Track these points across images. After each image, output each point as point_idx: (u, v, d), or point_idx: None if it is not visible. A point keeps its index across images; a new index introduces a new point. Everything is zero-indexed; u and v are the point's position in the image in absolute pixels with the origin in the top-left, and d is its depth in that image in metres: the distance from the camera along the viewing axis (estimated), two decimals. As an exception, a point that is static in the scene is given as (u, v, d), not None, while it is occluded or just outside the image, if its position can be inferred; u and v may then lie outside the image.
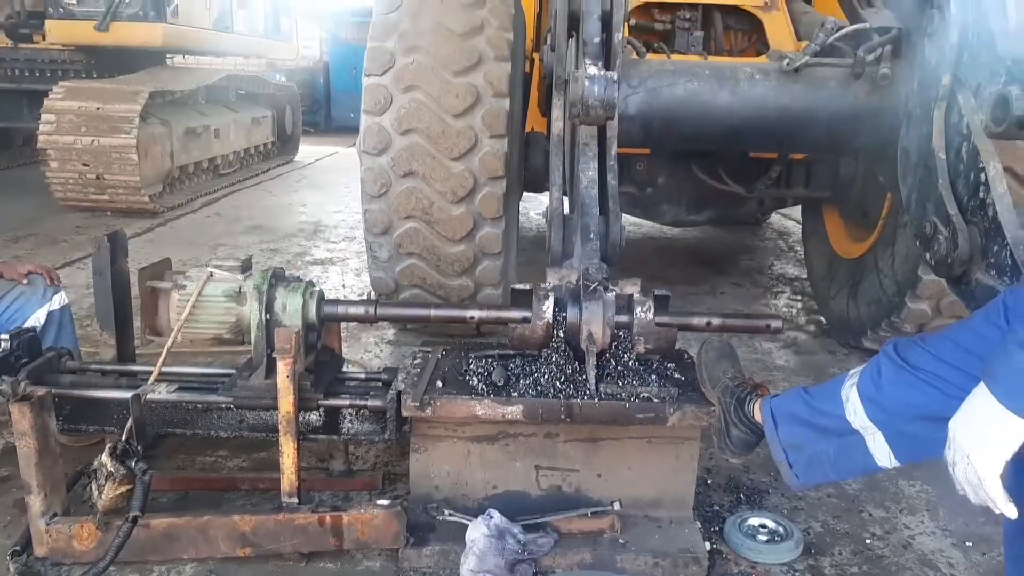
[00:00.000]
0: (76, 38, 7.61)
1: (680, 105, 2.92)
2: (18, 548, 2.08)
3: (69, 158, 6.48)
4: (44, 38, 7.72)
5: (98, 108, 6.49)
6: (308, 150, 11.81)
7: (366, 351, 3.74)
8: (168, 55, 9.08)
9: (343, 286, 4.89)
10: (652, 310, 2.04)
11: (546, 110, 3.92)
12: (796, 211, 5.82)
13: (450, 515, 2.18)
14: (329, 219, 7.05)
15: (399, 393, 2.12)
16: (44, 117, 6.51)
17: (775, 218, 7.21)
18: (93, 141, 6.41)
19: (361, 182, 3.28)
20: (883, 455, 1.69)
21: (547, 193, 3.23)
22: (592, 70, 2.22)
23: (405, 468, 2.54)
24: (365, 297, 4.41)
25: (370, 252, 3.43)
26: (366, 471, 2.59)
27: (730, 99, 2.90)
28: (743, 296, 4.93)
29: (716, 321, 2.17)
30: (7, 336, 2.27)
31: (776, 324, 2.19)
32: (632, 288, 2.09)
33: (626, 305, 2.08)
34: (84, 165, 6.50)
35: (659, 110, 2.93)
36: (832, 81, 2.92)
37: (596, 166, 2.42)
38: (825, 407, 1.78)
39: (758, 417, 1.88)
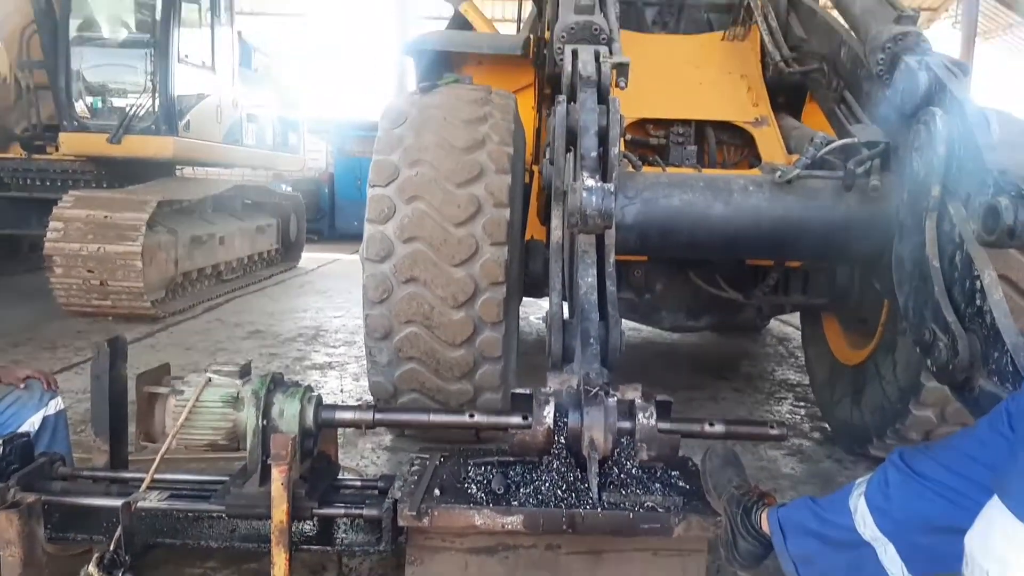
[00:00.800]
0: (89, 150, 7.85)
1: (676, 215, 2.99)
2: (-8, 667, 1.98)
3: (74, 264, 6.56)
4: (57, 149, 7.98)
5: (106, 216, 6.63)
6: (311, 257, 12.00)
7: (363, 457, 3.68)
8: (178, 166, 9.35)
9: (341, 391, 4.85)
10: (654, 416, 2.02)
11: (545, 219, 4.00)
12: (795, 317, 5.85)
13: (447, 634, 2.09)
14: (329, 324, 7.07)
15: (395, 502, 2.07)
16: (52, 225, 6.62)
17: (774, 324, 7.23)
18: (99, 248, 6.51)
19: (363, 288, 3.31)
20: (895, 568, 1.64)
21: (547, 298, 3.26)
22: (590, 182, 2.28)
23: (400, 582, 2.45)
24: (363, 402, 4.37)
25: (370, 357, 3.42)
26: (359, 585, 2.50)
27: (725, 209, 2.97)
28: (745, 402, 4.88)
29: (719, 427, 2.14)
30: (0, 441, 2.24)
31: (779, 431, 2.16)
32: (633, 393, 2.07)
33: (628, 411, 2.06)
34: (89, 271, 6.57)
35: (655, 219, 3.00)
36: (824, 192, 2.99)
37: (595, 272, 2.45)
38: (834, 518, 1.74)
39: (766, 528, 1.83)
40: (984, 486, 1.40)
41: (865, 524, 1.66)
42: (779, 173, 3.01)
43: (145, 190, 7.39)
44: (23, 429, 2.55)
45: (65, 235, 6.57)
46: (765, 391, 5.19)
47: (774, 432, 2.17)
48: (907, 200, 2.64)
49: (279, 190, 11.53)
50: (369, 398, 3.62)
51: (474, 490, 2.07)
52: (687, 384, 5.17)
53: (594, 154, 2.54)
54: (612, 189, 2.27)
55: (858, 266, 3.67)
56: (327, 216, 16.88)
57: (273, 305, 8.09)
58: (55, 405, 2.76)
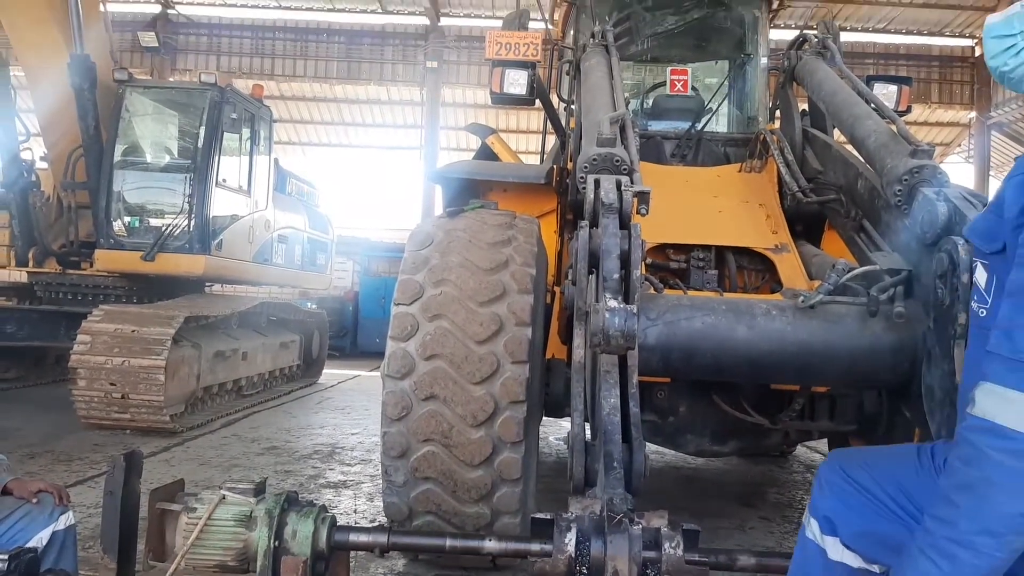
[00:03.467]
0: (122, 267, 8.11)
1: (698, 337, 2.98)
2: None
3: (98, 377, 6.60)
4: (91, 265, 8.24)
5: (133, 331, 6.72)
6: (332, 373, 12.01)
7: (374, 585, 3.54)
8: (207, 283, 9.57)
9: (355, 511, 4.73)
10: (681, 546, 1.94)
11: (566, 338, 4.01)
12: (823, 443, 5.69)
13: None
14: (346, 441, 6.99)
15: (408, 634, 1.98)
16: (80, 338, 6.72)
17: (801, 450, 7.04)
18: (124, 362, 6.56)
19: (382, 405, 3.29)
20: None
21: (567, 418, 3.20)
22: (612, 303, 2.30)
23: None
24: (377, 523, 4.24)
25: (385, 476, 3.36)
26: None
27: (748, 333, 2.95)
28: (774, 532, 4.68)
29: (751, 560, 2.05)
30: (6, 556, 2.19)
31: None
32: (659, 521, 1.99)
33: (653, 540, 1.98)
34: (111, 384, 6.60)
35: (678, 342, 2.99)
36: (848, 318, 2.98)
37: (618, 393, 2.43)
38: (803, 557, 1.87)
39: None
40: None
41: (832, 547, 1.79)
42: (802, 298, 3.01)
43: (173, 305, 7.54)
44: (31, 544, 2.50)
45: (91, 348, 6.66)
46: (794, 520, 4.98)
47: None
48: (933, 328, 2.62)
49: (304, 307, 11.71)
50: (383, 519, 3.52)
51: (491, 624, 1.97)
52: (712, 512, 4.98)
53: (616, 276, 2.56)
54: (635, 310, 2.27)
55: (886, 392, 3.60)
56: (350, 333, 17.06)
57: (291, 421, 8.04)
58: (65, 520, 2.71)
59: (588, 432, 2.65)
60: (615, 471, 2.19)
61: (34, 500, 2.68)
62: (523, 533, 3.18)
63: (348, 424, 7.91)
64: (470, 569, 3.41)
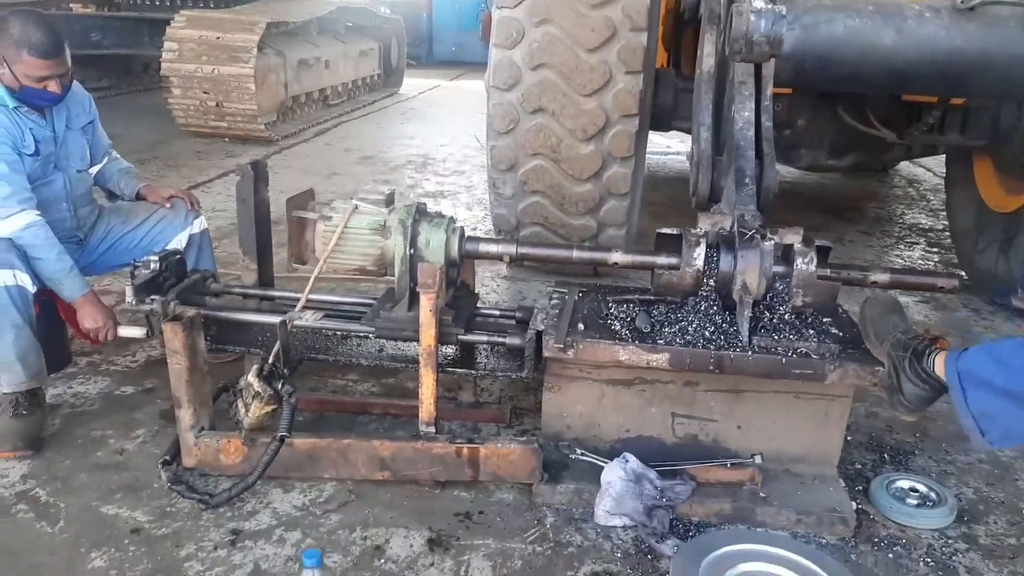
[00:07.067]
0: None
1: (839, 43, 2.70)
2: (168, 458, 2.18)
3: (191, 86, 6.68)
4: (166, -33, 7.94)
5: (218, 37, 6.63)
6: (411, 83, 11.80)
7: (483, 285, 3.75)
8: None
9: (455, 221, 4.90)
10: (815, 262, 1.94)
11: (670, 44, 3.76)
12: (926, 159, 5.45)
13: (583, 455, 2.18)
14: (436, 152, 7.05)
15: (540, 333, 2.10)
16: (167, 45, 6.69)
17: (903, 164, 6.78)
18: (214, 70, 6.57)
19: (488, 117, 3.23)
20: None
21: (670, 132, 3.05)
22: (758, 3, 2.07)
23: (529, 403, 2.56)
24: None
25: (493, 188, 3.40)
26: (493, 404, 2.62)
27: (895, 38, 2.66)
28: (873, 246, 4.69)
29: (883, 277, 2.04)
30: (156, 257, 2.33)
31: (951, 283, 2.05)
32: (794, 237, 1.98)
33: (783, 255, 1.98)
34: (204, 93, 6.68)
35: (815, 48, 2.73)
36: (1011, 22, 2.64)
37: (752, 106, 2.29)
38: None
39: (939, 372, 1.74)
40: None
41: None
42: (961, -1, 2.66)
43: (253, 10, 7.32)
44: (170, 247, 2.67)
45: (180, 56, 6.65)
46: (894, 235, 4.95)
47: (944, 284, 2.05)
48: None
49: (380, 13, 11.18)
50: (482, 228, 3.63)
51: (618, 327, 2.07)
52: (810, 226, 4.89)
53: (759, -30, 2.29)
54: (783, 12, 2.05)
55: (1027, 105, 3.32)
56: (425, 42, 16.45)
57: (379, 132, 8.09)
58: (199, 224, 2.87)
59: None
60: (747, 188, 2.15)
61: (167, 205, 2.83)
62: (627, 244, 3.25)
63: (436, 135, 7.92)
64: (569, 275, 3.55)
